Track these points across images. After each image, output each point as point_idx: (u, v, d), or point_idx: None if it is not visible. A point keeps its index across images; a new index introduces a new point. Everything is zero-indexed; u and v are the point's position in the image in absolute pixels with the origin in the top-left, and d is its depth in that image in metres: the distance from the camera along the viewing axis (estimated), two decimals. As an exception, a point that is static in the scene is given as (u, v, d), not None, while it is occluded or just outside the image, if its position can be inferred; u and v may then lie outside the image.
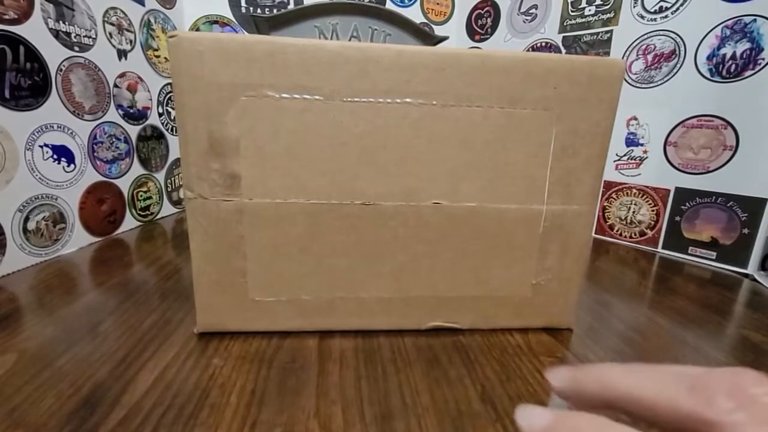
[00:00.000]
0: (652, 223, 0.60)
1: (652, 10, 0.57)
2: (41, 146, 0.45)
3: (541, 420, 0.15)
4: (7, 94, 0.40)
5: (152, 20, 0.64)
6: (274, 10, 0.76)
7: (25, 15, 0.42)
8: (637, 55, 0.59)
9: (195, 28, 0.75)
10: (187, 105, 0.27)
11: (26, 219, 0.43)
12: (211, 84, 0.27)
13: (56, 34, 0.46)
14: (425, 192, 0.30)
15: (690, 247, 0.57)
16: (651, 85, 0.58)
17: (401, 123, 0.29)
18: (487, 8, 0.80)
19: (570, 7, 0.66)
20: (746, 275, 0.51)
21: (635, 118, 0.60)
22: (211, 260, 0.30)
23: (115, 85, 0.56)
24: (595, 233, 0.66)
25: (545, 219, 0.32)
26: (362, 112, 0.28)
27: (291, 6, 0.77)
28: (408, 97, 0.29)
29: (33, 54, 0.43)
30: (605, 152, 0.31)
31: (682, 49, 0.55)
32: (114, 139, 0.56)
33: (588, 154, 0.31)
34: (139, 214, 0.62)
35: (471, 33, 0.84)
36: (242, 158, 0.28)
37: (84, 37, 0.50)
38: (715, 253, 0.55)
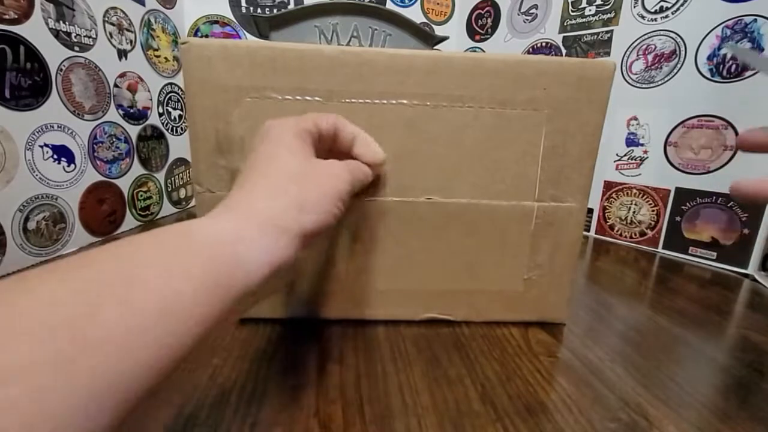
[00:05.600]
0: (653, 223, 0.60)
1: (653, 10, 0.57)
2: (41, 146, 0.45)
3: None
4: (7, 94, 0.40)
5: (152, 20, 0.64)
6: (275, 10, 0.76)
7: (25, 15, 0.42)
8: (638, 55, 0.59)
9: (195, 28, 0.75)
10: (196, 106, 0.29)
11: (26, 219, 0.43)
12: (218, 86, 0.28)
13: (56, 33, 0.46)
14: (419, 188, 0.31)
15: (690, 248, 0.57)
16: (651, 85, 0.58)
17: (396, 123, 0.30)
18: (487, 8, 0.80)
19: (570, 7, 0.66)
20: (746, 275, 0.51)
21: (635, 118, 0.60)
22: None
23: (116, 85, 0.56)
24: (595, 233, 0.66)
25: (536, 216, 0.32)
26: (359, 112, 0.29)
27: (291, 6, 0.77)
28: (402, 98, 0.29)
29: (33, 54, 0.43)
30: (595, 151, 0.32)
31: (683, 49, 0.55)
32: (114, 139, 0.56)
33: (578, 153, 0.31)
34: (139, 214, 0.62)
35: (471, 33, 0.84)
36: (246, 155, 0.29)
37: (84, 37, 0.50)
38: (715, 254, 0.55)
